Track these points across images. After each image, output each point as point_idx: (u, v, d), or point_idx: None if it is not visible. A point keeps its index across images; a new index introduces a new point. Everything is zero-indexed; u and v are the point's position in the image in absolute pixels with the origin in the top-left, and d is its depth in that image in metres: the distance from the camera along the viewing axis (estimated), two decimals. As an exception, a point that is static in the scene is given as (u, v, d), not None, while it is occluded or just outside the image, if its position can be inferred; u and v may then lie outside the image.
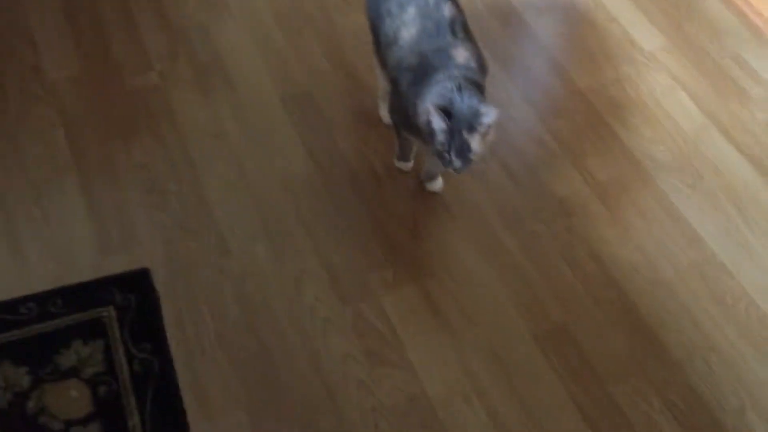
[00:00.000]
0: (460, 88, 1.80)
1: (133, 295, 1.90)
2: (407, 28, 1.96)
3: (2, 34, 2.45)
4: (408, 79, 1.92)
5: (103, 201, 2.10)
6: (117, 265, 1.97)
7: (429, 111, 1.78)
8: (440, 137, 1.80)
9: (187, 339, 1.87)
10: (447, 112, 1.78)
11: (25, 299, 1.87)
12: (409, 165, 2.21)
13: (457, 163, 1.83)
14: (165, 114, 2.30)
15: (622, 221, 2.19)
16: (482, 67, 1.95)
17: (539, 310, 2.00)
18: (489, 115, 1.78)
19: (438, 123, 1.79)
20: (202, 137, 2.26)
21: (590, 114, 2.43)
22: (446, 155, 1.82)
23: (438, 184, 2.19)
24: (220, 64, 2.45)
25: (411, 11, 1.95)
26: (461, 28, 1.94)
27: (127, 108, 2.30)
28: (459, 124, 1.78)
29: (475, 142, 1.80)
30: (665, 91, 2.51)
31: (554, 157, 2.32)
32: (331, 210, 2.14)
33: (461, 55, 1.90)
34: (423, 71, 1.88)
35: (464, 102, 1.78)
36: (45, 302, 1.87)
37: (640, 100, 2.48)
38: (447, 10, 1.93)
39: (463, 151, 1.81)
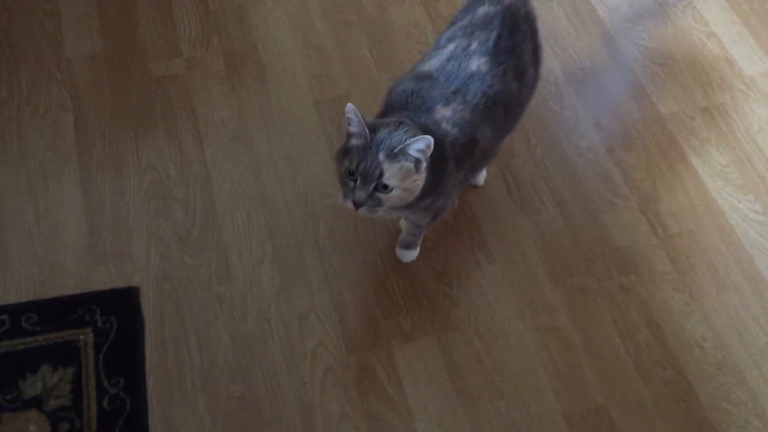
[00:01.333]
0: (399, 126, 1.46)
1: (116, 317, 1.70)
2: (433, 59, 1.67)
3: (24, 1, 2.25)
4: (386, 104, 1.65)
5: (102, 201, 1.89)
6: (105, 277, 1.77)
7: (348, 110, 1.44)
8: (351, 151, 1.45)
9: (167, 377, 1.65)
10: (371, 130, 1.45)
11: (-1, 310, 1.69)
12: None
13: (359, 193, 1.44)
14: (185, 108, 2.07)
15: (691, 285, 1.85)
16: (459, 140, 1.56)
17: (578, 385, 1.70)
18: (419, 142, 1.41)
19: (354, 126, 1.45)
20: (221, 138, 2.02)
21: (669, 148, 2.08)
22: (349, 181, 1.46)
23: (408, 254, 1.85)
24: (254, 55, 2.19)
25: (449, 48, 1.66)
26: (480, 93, 1.59)
27: (145, 97, 2.08)
28: (378, 144, 1.43)
29: (391, 174, 1.43)
30: (765, 127, 2.13)
31: (619, 197, 1.99)
32: (352, 238, 1.88)
33: (441, 113, 1.57)
34: (395, 107, 1.60)
35: (395, 132, 1.45)
36: (19, 316, 1.68)
37: (733, 135, 2.11)
38: (475, 65, 1.61)
39: (372, 179, 1.43)
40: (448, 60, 1.63)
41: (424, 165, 1.46)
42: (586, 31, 2.31)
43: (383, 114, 1.62)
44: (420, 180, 1.48)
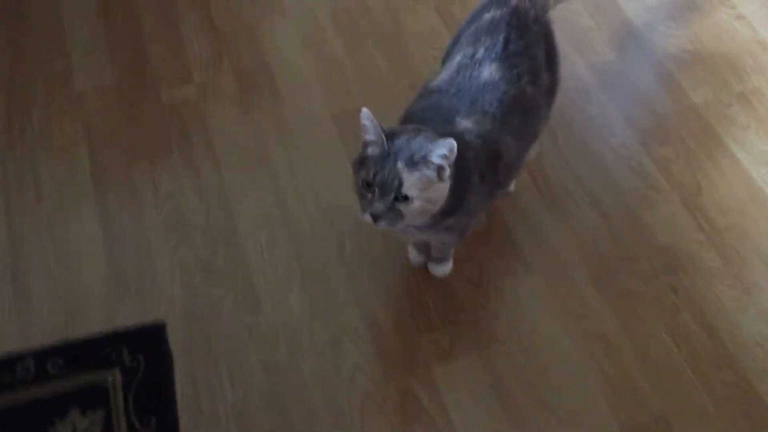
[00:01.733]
0: (418, 132, 1.38)
1: (144, 354, 1.63)
2: (442, 74, 1.60)
3: (33, 35, 2.21)
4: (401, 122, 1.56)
5: (122, 235, 1.83)
6: (129, 313, 1.70)
7: (363, 116, 1.36)
8: (368, 160, 1.36)
9: (200, 413, 1.58)
10: (388, 137, 1.36)
11: (24, 356, 1.62)
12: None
13: (377, 205, 1.35)
14: (200, 133, 2.01)
15: (743, 280, 1.75)
16: (482, 152, 1.48)
17: (631, 395, 1.60)
18: (441, 147, 1.32)
19: (370, 134, 1.36)
20: (239, 161, 1.96)
21: (707, 138, 1.98)
22: (366, 192, 1.37)
23: (441, 268, 1.76)
24: (267, 73, 2.13)
25: (457, 59, 1.59)
26: (497, 102, 1.51)
27: (159, 125, 2.02)
28: (396, 152, 1.34)
29: (411, 184, 1.34)
30: (805, 109, 2.03)
31: (659, 193, 1.89)
32: (380, 255, 1.80)
33: (463, 125, 1.49)
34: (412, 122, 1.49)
35: (415, 139, 1.36)
36: (44, 360, 1.62)
37: (772, 119, 2.01)
38: (486, 73, 1.53)
39: (390, 189, 1.33)
40: (457, 71, 1.56)
41: (447, 172, 1.37)
42: (608, 23, 2.22)
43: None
44: (443, 190, 1.39)
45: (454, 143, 1.32)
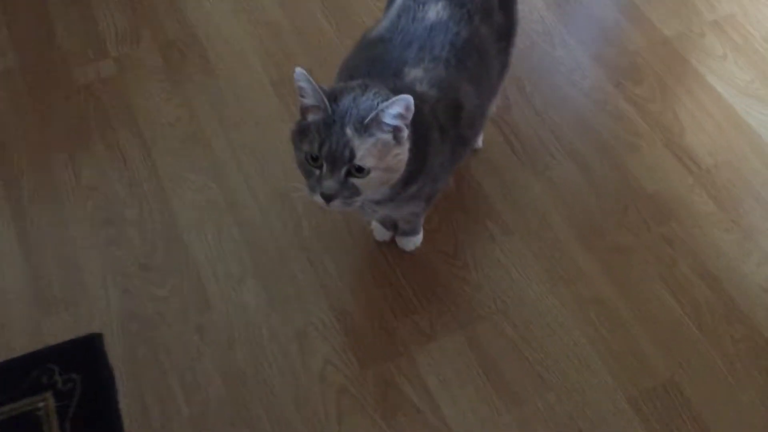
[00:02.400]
0: (365, 88, 1.17)
1: (79, 373, 1.40)
2: (381, 23, 1.39)
3: None
4: (339, 77, 1.35)
5: (42, 239, 1.59)
6: (59, 327, 1.47)
7: (297, 77, 1.13)
8: (309, 130, 1.15)
9: (151, 434, 1.37)
10: (330, 99, 1.14)
11: (-64, 389, 1.39)
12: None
13: (328, 183, 1.14)
14: (123, 114, 1.77)
15: (740, 222, 1.60)
16: (440, 103, 1.28)
17: (636, 361, 1.44)
18: (395, 105, 1.11)
19: (309, 97, 1.14)
20: (172, 143, 1.73)
21: (683, 72, 1.82)
22: (312, 168, 1.16)
23: (410, 241, 1.57)
24: (196, 43, 1.90)
25: (397, 3, 1.38)
26: (448, 45, 1.30)
27: (74, 110, 1.78)
28: (342, 116, 1.13)
29: (366, 153, 1.13)
30: (783, 33, 1.88)
31: (640, 137, 1.73)
32: (342, 233, 1.60)
33: (412, 74, 1.28)
34: (353, 77, 1.27)
35: (362, 97, 1.15)
36: (-39, 392, 1.38)
37: (751, 48, 1.86)
38: (432, 14, 1.33)
39: (341, 162, 1.13)
40: (399, 16, 1.35)
41: (405, 133, 1.16)
42: (565, -42, 2.04)
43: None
44: (403, 154, 1.18)
45: (411, 99, 1.12)
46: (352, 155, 1.13)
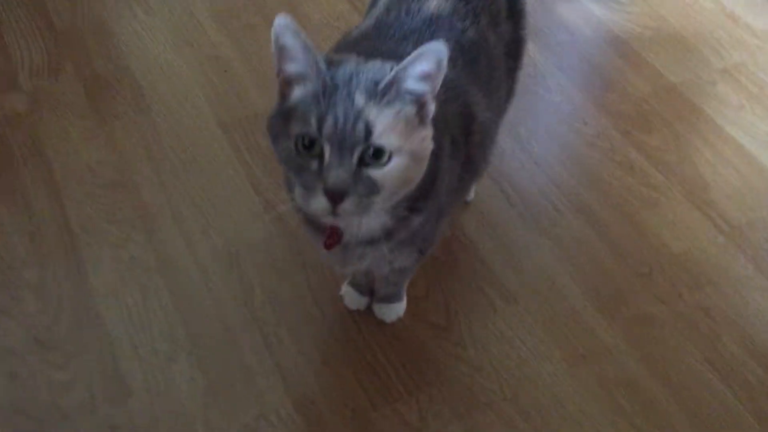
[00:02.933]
0: (367, 59, 0.87)
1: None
2: (365, 21, 1.12)
3: None
4: None
5: None
6: None
7: (279, 28, 0.81)
8: (299, 107, 0.83)
9: None
10: (327, 63, 0.83)
11: None
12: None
13: (336, 173, 0.81)
14: (32, 155, 1.43)
15: (788, 288, 1.33)
16: (449, 107, 0.98)
17: (685, 461, 1.12)
18: (422, 59, 0.80)
19: (297, 60, 0.82)
20: (89, 189, 1.39)
21: (698, 121, 1.59)
22: (308, 159, 0.83)
23: (392, 310, 1.24)
24: (129, 77, 1.59)
25: (382, 1, 1.11)
26: (453, 42, 1.02)
27: (-30, 150, 1.44)
28: (347, 81, 0.82)
29: (387, 126, 0.81)
30: (799, 82, 1.68)
31: (657, 190, 1.46)
32: (304, 298, 1.27)
33: None
34: None
35: (368, 65, 0.84)
36: None
37: (765, 95, 1.64)
38: (433, 5, 1.06)
39: (352, 141, 0.80)
40: (388, 10, 1.07)
41: (432, 108, 0.85)
42: (552, 3, 1.83)
43: None
44: (427, 140, 0.86)
45: (444, 49, 0.80)
46: (369, 131, 0.80)
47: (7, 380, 1.13)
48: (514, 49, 1.20)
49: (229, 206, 1.38)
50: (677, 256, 1.36)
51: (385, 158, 0.82)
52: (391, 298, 1.23)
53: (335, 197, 0.81)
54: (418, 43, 0.99)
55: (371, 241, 0.96)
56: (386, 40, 1.03)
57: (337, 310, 1.25)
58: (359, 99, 0.80)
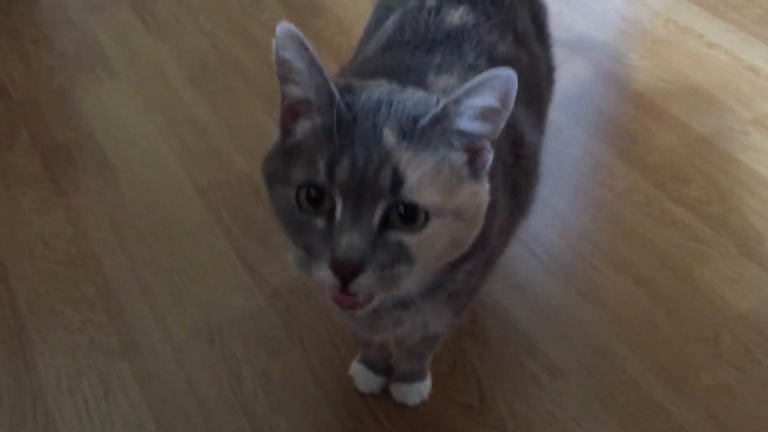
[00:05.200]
0: (399, 86, 0.67)
1: None
2: (372, 42, 0.94)
3: None
4: None
5: None
6: None
7: (281, 37, 0.61)
8: (304, 145, 0.63)
9: None
10: (346, 91, 0.63)
11: None
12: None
13: (348, 241, 0.59)
14: (-25, 230, 1.21)
15: None
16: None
17: None
18: (484, 88, 0.60)
19: (302, 80, 0.62)
20: (43, 265, 1.17)
21: (737, 171, 1.42)
22: (314, 216, 0.62)
23: (414, 391, 1.00)
24: (91, 145, 1.40)
25: (392, 19, 0.94)
26: (485, 54, 0.85)
27: None
28: (372, 111, 0.61)
29: (422, 176, 0.60)
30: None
31: (706, 245, 1.27)
32: (305, 378, 1.02)
33: (442, 82, 0.78)
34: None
35: (401, 94, 0.65)
36: None
37: (804, 145, 1.49)
38: (455, 17, 0.89)
39: (375, 193, 0.60)
40: (399, 28, 0.89)
41: (489, 158, 0.65)
42: (561, 59, 1.70)
43: None
44: (483, 195, 0.65)
45: (514, 77, 0.60)
46: (398, 181, 0.60)
47: None
48: (548, 76, 1.04)
49: (207, 275, 1.16)
50: (744, 315, 1.15)
51: (421, 220, 0.61)
52: (413, 377, 1.00)
53: (345, 271, 0.59)
54: (446, 55, 0.82)
55: (408, 302, 0.73)
56: (408, 55, 0.84)
57: (345, 392, 1.01)
58: (388, 136, 0.60)
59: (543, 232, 1.27)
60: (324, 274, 0.60)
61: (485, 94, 0.61)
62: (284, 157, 0.64)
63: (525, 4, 1.02)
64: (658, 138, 1.49)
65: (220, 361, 1.04)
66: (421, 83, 0.77)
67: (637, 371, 1.06)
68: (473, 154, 0.64)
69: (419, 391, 1.00)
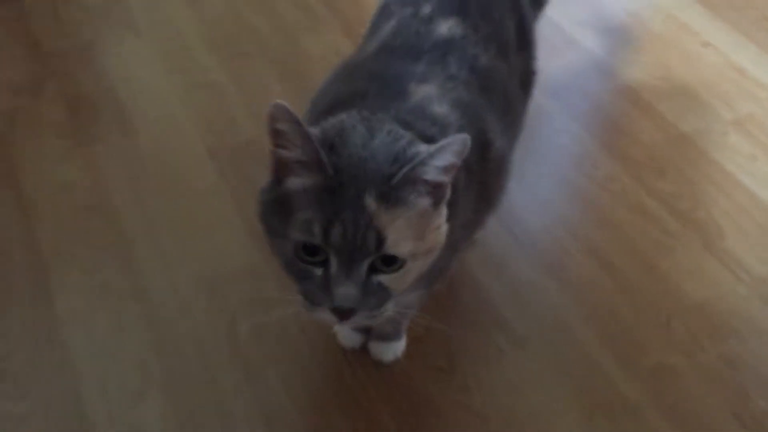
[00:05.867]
0: (369, 124, 0.78)
1: None
2: (371, 42, 1.05)
3: None
4: (313, 113, 0.94)
5: None
6: None
7: (275, 113, 0.72)
8: (296, 203, 0.75)
9: None
10: (330, 149, 0.75)
11: None
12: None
13: (344, 292, 0.74)
14: (2, 174, 1.32)
15: (816, 343, 1.23)
16: (471, 134, 0.80)
17: None
18: (445, 151, 0.74)
19: (295, 149, 0.73)
20: (63, 209, 1.28)
21: (712, 170, 1.52)
22: (309, 266, 0.75)
23: (389, 350, 1.12)
24: (113, 100, 1.50)
25: (390, 24, 1.04)
26: (466, 66, 0.97)
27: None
28: (354, 176, 0.73)
29: (400, 235, 0.74)
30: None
31: (672, 237, 1.38)
32: (293, 335, 1.15)
33: (422, 92, 0.91)
34: (338, 103, 0.89)
35: (376, 140, 0.76)
36: None
37: (780, 149, 1.58)
38: (444, 28, 0.99)
39: (362, 253, 0.73)
40: (394, 35, 1.01)
41: (447, 193, 0.78)
42: (563, 49, 1.78)
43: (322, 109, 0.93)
44: (443, 226, 0.80)
45: (467, 138, 0.74)
46: (380, 241, 0.73)
47: (-48, 412, 1.00)
48: (526, 81, 1.14)
49: (213, 233, 1.27)
50: (697, 305, 1.26)
51: (398, 264, 0.75)
52: (390, 336, 1.12)
53: (344, 314, 0.75)
54: (430, 64, 0.93)
55: None
56: (396, 61, 0.95)
57: (329, 348, 1.13)
58: (369, 203, 0.73)
59: (523, 213, 1.38)
60: (326, 315, 0.76)
61: (447, 155, 0.74)
62: (278, 207, 0.76)
63: (511, 14, 1.12)
64: (642, 132, 1.59)
65: (219, 312, 1.16)
66: (402, 92, 0.90)
67: (593, 348, 1.18)
68: (437, 193, 0.77)
69: (394, 350, 1.12)
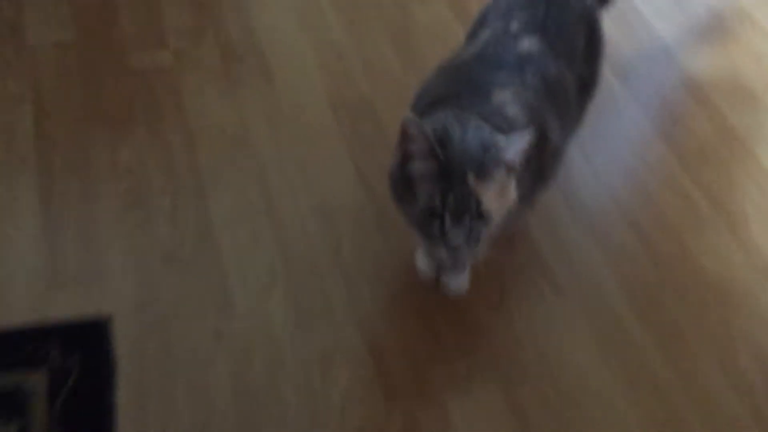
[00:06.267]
0: (462, 122, 1.16)
1: (80, 355, 1.27)
2: (466, 51, 1.40)
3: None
4: (419, 105, 1.32)
5: (66, 211, 1.48)
6: (67, 304, 1.35)
7: (408, 124, 1.12)
8: (420, 180, 1.14)
9: (146, 435, 1.22)
10: (440, 144, 1.12)
11: None
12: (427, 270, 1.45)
13: (455, 234, 1.14)
14: (172, 105, 1.69)
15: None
16: (528, 126, 1.21)
17: (684, 444, 1.31)
18: (516, 142, 1.12)
19: (417, 143, 1.12)
20: (217, 139, 1.64)
21: (752, 167, 1.76)
22: (435, 223, 1.15)
23: (459, 281, 1.44)
24: (257, 50, 1.84)
25: (485, 33, 1.38)
26: (538, 75, 1.30)
27: (123, 91, 1.70)
28: (460, 164, 1.12)
29: (490, 198, 1.14)
30: None
31: (704, 221, 1.64)
32: (384, 260, 1.49)
33: (500, 96, 1.26)
34: (438, 100, 1.27)
35: (469, 134, 1.14)
36: (-56, 355, 1.24)
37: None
38: (526, 45, 1.33)
39: (466, 211, 1.13)
40: (487, 45, 1.35)
41: (517, 170, 1.18)
42: (636, 37, 2.01)
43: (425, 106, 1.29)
44: (513, 191, 1.19)
45: (532, 133, 1.13)
46: (478, 203, 1.13)
47: (141, 281, 1.39)
48: (587, 87, 1.45)
49: (329, 173, 1.61)
50: (715, 281, 1.54)
51: (487, 217, 1.15)
52: (460, 270, 1.45)
53: (455, 250, 1.18)
54: (510, 73, 1.25)
55: None
56: (484, 70, 1.30)
57: (410, 276, 1.47)
58: (471, 180, 1.11)
59: (579, 185, 1.67)
60: (441, 252, 1.21)
61: (518, 144, 1.12)
62: (405, 182, 1.17)
63: (582, 25, 1.42)
64: (696, 124, 1.83)
65: (329, 234, 1.51)
66: (486, 95, 1.26)
67: (618, 302, 1.48)
68: (512, 168, 1.14)
69: (462, 282, 1.45)
